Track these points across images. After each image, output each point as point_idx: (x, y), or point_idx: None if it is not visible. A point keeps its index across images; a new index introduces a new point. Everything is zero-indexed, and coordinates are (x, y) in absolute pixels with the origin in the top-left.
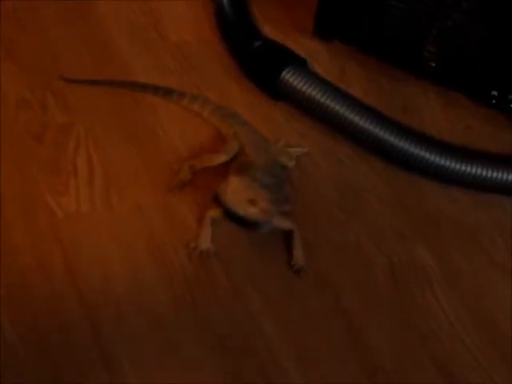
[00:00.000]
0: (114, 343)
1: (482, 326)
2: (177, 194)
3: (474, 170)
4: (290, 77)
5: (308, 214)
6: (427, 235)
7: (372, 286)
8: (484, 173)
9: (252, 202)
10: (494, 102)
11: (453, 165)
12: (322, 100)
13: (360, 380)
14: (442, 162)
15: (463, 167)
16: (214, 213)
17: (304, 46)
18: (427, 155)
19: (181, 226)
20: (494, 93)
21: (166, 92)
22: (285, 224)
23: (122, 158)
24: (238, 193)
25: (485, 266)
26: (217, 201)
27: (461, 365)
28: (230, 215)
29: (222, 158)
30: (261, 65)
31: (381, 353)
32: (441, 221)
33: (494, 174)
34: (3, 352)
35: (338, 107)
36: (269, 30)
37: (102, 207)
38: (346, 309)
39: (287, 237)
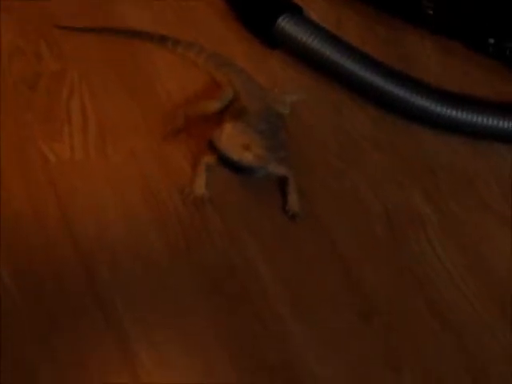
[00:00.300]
0: (108, 289)
1: (477, 272)
2: (171, 142)
3: (472, 118)
4: (285, 24)
5: (304, 161)
6: (424, 183)
7: (368, 232)
8: (482, 120)
9: (246, 147)
10: (491, 50)
11: (450, 112)
12: (319, 47)
13: (356, 325)
14: (439, 109)
15: (461, 114)
16: (208, 159)
17: None
18: (425, 103)
19: (175, 173)
20: (491, 41)
21: (161, 39)
22: (280, 170)
23: (117, 105)
24: (232, 138)
25: (481, 214)
26: (212, 147)
27: (456, 310)
28: (225, 161)
29: (216, 105)
30: (256, 12)
31: (376, 298)
32: (438, 169)
33: (492, 122)
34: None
35: (334, 54)
36: None
37: (96, 154)
38: (342, 254)
39: (282, 183)
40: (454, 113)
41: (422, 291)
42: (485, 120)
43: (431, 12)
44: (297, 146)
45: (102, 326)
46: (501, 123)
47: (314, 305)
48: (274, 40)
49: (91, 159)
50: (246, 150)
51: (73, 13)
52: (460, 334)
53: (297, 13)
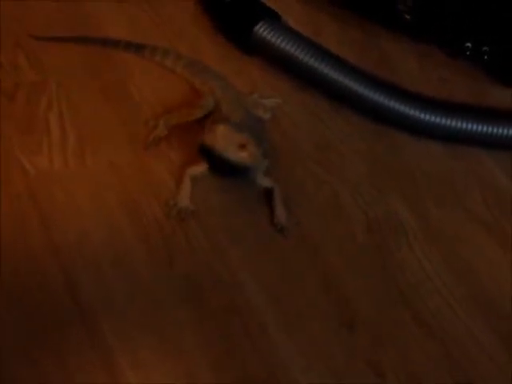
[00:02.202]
0: (90, 299)
1: (459, 278)
2: (151, 151)
3: (451, 123)
4: (263, 31)
5: (284, 169)
6: (404, 189)
7: (350, 240)
8: (461, 125)
9: (242, 146)
10: (468, 53)
11: (429, 117)
12: (296, 54)
13: (340, 334)
14: (418, 114)
15: (440, 119)
16: (193, 170)
17: (278, 0)
18: (404, 108)
19: (156, 183)
20: (468, 44)
21: (138, 47)
22: (265, 181)
23: (96, 115)
24: (228, 138)
25: (462, 219)
26: (204, 152)
27: (439, 318)
28: (219, 163)
29: (197, 114)
30: (234, 19)
31: (360, 307)
32: (417, 174)
33: (472, 126)
34: None
35: (312, 61)
36: None
37: (76, 165)
38: (325, 263)
39: (267, 195)
40: (433, 118)
41: (405, 299)
42: (464, 125)
43: (408, 16)
44: (276, 153)
45: (84, 336)
46: (480, 128)
47: (298, 315)
48: (251, 47)
49: (70, 170)
50: (242, 149)
51: (49, 22)
52: (444, 341)
53: (274, 19)
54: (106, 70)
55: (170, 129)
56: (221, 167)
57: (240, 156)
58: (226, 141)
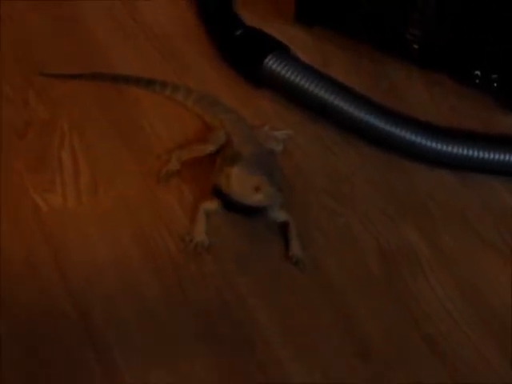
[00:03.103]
0: (103, 335)
1: (473, 305)
2: (164, 186)
3: (460, 151)
4: (272, 63)
5: (297, 201)
6: (416, 218)
7: (364, 270)
8: (471, 153)
9: (257, 189)
10: (477, 81)
11: (439, 146)
12: (306, 86)
13: (354, 364)
14: (429, 143)
15: (450, 148)
16: (207, 205)
17: (286, 32)
18: (414, 138)
19: (168, 217)
20: (477, 72)
21: (148, 83)
22: (280, 215)
23: (108, 151)
24: (243, 182)
25: (475, 246)
26: (217, 194)
27: (453, 344)
28: (235, 206)
29: (210, 148)
30: (243, 53)
31: (374, 336)
32: (429, 203)
33: (483, 155)
34: None
35: (322, 93)
36: (250, 18)
37: (89, 201)
38: (338, 294)
39: (281, 227)
40: (444, 147)
41: (419, 328)
42: (475, 153)
43: (416, 46)
44: (289, 185)
45: (97, 371)
46: (491, 156)
47: (312, 346)
48: (261, 79)
49: (83, 206)
50: (257, 192)
51: (59, 60)
52: (458, 368)
53: (284, 52)
54: (116, 105)
55: (182, 163)
56: (236, 208)
57: (256, 199)
58: (241, 186)
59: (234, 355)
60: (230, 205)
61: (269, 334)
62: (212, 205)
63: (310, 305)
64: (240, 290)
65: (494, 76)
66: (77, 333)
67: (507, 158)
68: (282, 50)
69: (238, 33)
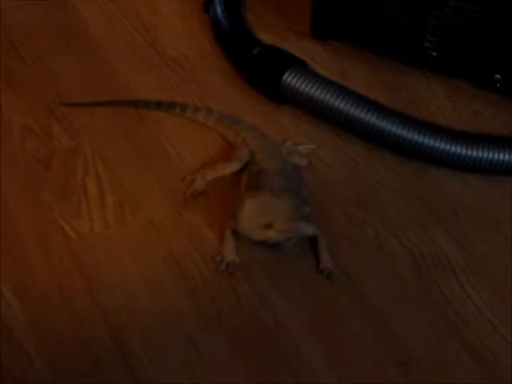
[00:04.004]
0: (141, 359)
1: (509, 307)
2: (190, 206)
3: (488, 155)
4: (291, 79)
5: (324, 214)
6: (446, 223)
7: (397, 279)
8: (499, 157)
9: (268, 226)
10: (498, 85)
11: (466, 151)
12: (326, 99)
13: (394, 375)
14: (454, 149)
15: (477, 153)
16: (234, 225)
17: (303, 48)
18: (438, 144)
19: (197, 238)
20: (498, 76)
21: (169, 106)
22: (308, 230)
23: (132, 175)
24: (252, 218)
25: (508, 250)
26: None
27: (495, 351)
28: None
29: (234, 166)
30: (261, 71)
31: (412, 346)
32: (457, 208)
33: (508, 157)
34: (32, 380)
35: (342, 105)
36: (266, 36)
37: (116, 225)
38: (373, 305)
39: (311, 241)
40: (470, 152)
41: (458, 334)
42: (502, 156)
43: (435, 53)
44: (315, 199)
45: None
46: None
47: (349, 358)
48: (281, 95)
49: (111, 231)
50: (268, 229)
51: (79, 88)
52: (502, 375)
53: (302, 67)
54: (138, 129)
55: (208, 183)
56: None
57: (267, 235)
58: (250, 222)
59: (269, 371)
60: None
61: (305, 349)
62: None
63: (345, 317)
64: (274, 306)
65: None
66: (113, 358)
67: None
68: (299, 66)
69: (256, 51)
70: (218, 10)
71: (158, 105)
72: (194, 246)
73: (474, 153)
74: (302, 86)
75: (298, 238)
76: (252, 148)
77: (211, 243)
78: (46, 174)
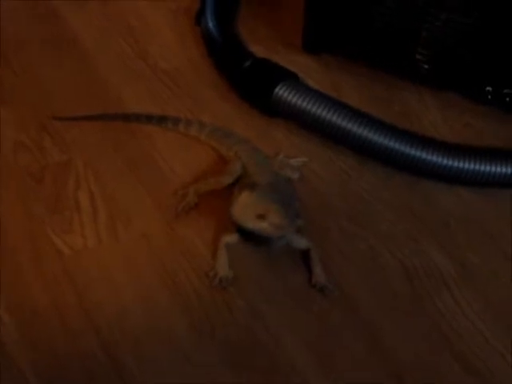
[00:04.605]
0: (134, 374)
1: (502, 320)
2: (183, 221)
3: (479, 167)
4: (283, 92)
5: (317, 227)
6: (438, 236)
7: (389, 293)
8: (490, 169)
9: (261, 217)
10: (489, 97)
11: (457, 164)
12: (318, 112)
13: None
14: (445, 162)
15: (468, 165)
16: (227, 238)
17: (294, 61)
18: (429, 157)
19: (189, 252)
20: (489, 88)
21: (160, 119)
22: (301, 243)
23: (124, 189)
24: (247, 207)
25: (500, 262)
26: (230, 217)
27: (487, 362)
28: (242, 232)
29: (227, 180)
30: (253, 84)
31: (404, 357)
32: (450, 220)
33: (501, 169)
34: None
35: (334, 118)
36: (257, 49)
37: (109, 240)
38: (366, 317)
39: (304, 255)
40: (461, 164)
41: (450, 346)
42: (493, 168)
43: (426, 66)
44: (307, 212)
45: None
46: (510, 170)
47: (342, 370)
48: (273, 108)
49: (104, 245)
50: (261, 220)
51: (71, 103)
52: None
53: (293, 80)
54: (130, 143)
55: (200, 197)
56: (247, 236)
57: (260, 226)
58: (245, 211)
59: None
60: (242, 230)
61: (299, 362)
62: (232, 237)
63: (337, 330)
64: (267, 320)
65: (506, 91)
66: (107, 373)
67: None
68: (291, 79)
69: (247, 64)
70: (210, 22)
71: (149, 118)
72: (187, 260)
73: (466, 165)
74: (294, 99)
75: (286, 242)
76: (244, 161)
77: (204, 257)
78: (39, 188)
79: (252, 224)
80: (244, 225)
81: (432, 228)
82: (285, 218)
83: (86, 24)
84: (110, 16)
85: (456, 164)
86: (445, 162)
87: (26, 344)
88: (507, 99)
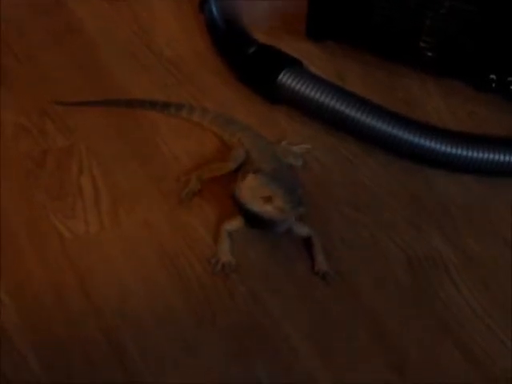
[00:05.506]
0: (136, 361)
1: (503, 307)
2: (185, 207)
3: (482, 155)
4: (287, 79)
5: (319, 214)
6: (440, 224)
7: (391, 281)
8: (493, 157)
9: (267, 200)
10: (493, 85)
11: (460, 151)
12: (322, 99)
13: (388, 376)
14: (449, 150)
15: (470, 153)
16: (229, 225)
17: (298, 48)
18: (433, 145)
19: (192, 238)
20: (493, 76)
21: (164, 106)
22: (303, 231)
23: (127, 174)
24: (253, 190)
25: (501, 249)
26: (234, 201)
27: (487, 349)
28: (246, 214)
29: (230, 166)
30: (257, 70)
31: (406, 346)
32: (453, 209)
33: (504, 157)
34: (27, 380)
35: (338, 105)
36: (261, 37)
37: (111, 226)
38: (367, 305)
39: (306, 242)
40: (464, 152)
41: (451, 335)
42: (496, 156)
43: (430, 53)
44: (310, 200)
45: None
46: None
47: (345, 360)
48: (276, 95)
49: (106, 231)
50: (266, 203)
51: (74, 88)
52: (495, 374)
53: (297, 67)
54: (133, 129)
55: (203, 183)
56: (250, 219)
57: (265, 209)
58: (251, 193)
59: (265, 371)
60: (246, 214)
61: (300, 349)
62: (234, 224)
63: (339, 318)
64: (269, 307)
65: (510, 79)
66: (107, 358)
67: None
68: (295, 65)
69: (251, 50)
70: (214, 9)
71: (152, 104)
72: (189, 246)
73: (469, 153)
74: (298, 86)
75: (289, 227)
76: (247, 148)
77: (206, 244)
78: (40, 173)
79: (257, 206)
80: (249, 207)
81: (434, 215)
82: (289, 203)
83: (90, 12)
84: (114, 4)
85: (459, 152)
86: (448, 149)
87: (27, 327)
88: (511, 87)
